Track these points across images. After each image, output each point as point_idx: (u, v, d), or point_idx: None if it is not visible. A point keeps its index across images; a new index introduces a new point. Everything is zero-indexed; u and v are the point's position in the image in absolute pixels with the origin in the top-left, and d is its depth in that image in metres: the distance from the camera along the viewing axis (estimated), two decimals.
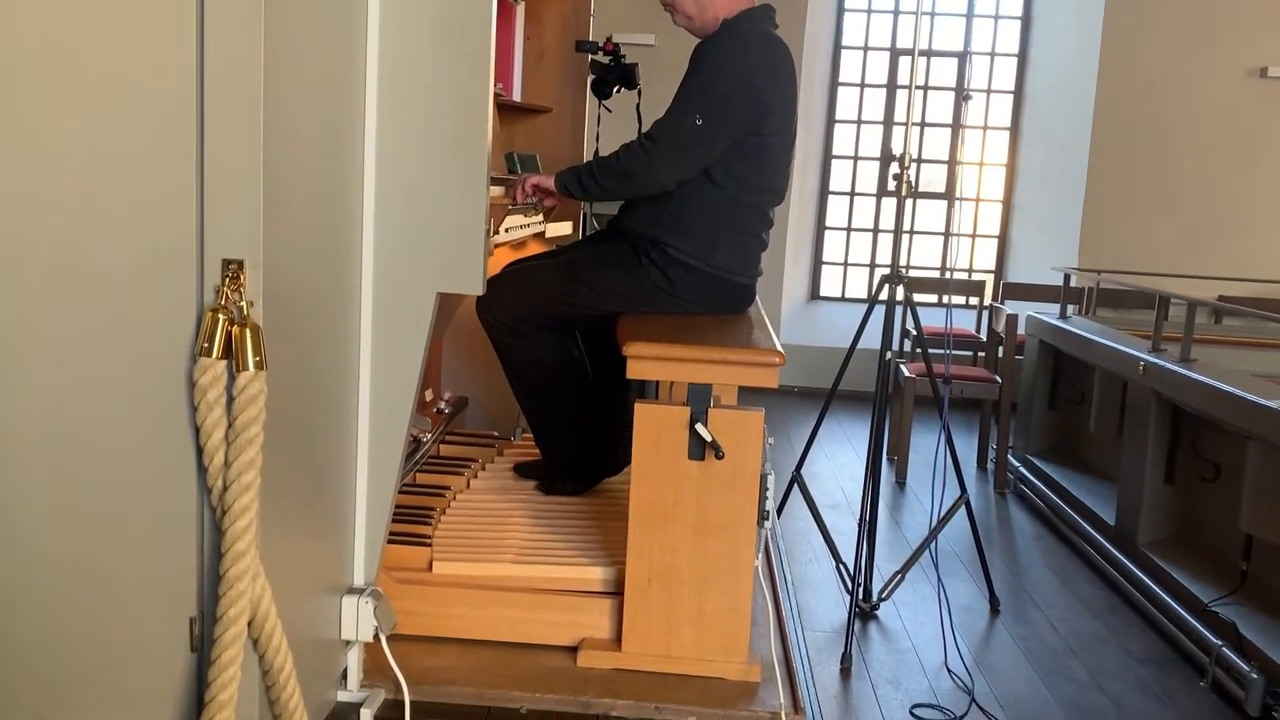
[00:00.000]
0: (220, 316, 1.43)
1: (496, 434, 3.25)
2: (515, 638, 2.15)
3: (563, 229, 3.22)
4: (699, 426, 1.99)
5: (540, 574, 2.22)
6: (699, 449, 2.02)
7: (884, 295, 3.40)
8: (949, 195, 7.54)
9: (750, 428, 2.01)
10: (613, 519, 2.49)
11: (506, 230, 2.52)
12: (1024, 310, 5.30)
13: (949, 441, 3.43)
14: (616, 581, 2.19)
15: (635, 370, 2.03)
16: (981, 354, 6.20)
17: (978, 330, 6.41)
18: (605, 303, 2.41)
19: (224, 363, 1.44)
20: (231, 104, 1.44)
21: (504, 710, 1.97)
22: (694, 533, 2.05)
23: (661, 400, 2.19)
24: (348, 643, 1.94)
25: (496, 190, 2.43)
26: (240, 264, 1.45)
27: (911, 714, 2.85)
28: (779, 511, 3.91)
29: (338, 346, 1.80)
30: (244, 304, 1.44)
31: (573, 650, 2.13)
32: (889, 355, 3.33)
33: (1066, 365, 4.94)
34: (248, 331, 1.43)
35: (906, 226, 3.46)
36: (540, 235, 3.03)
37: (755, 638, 2.16)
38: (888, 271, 3.43)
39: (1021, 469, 4.95)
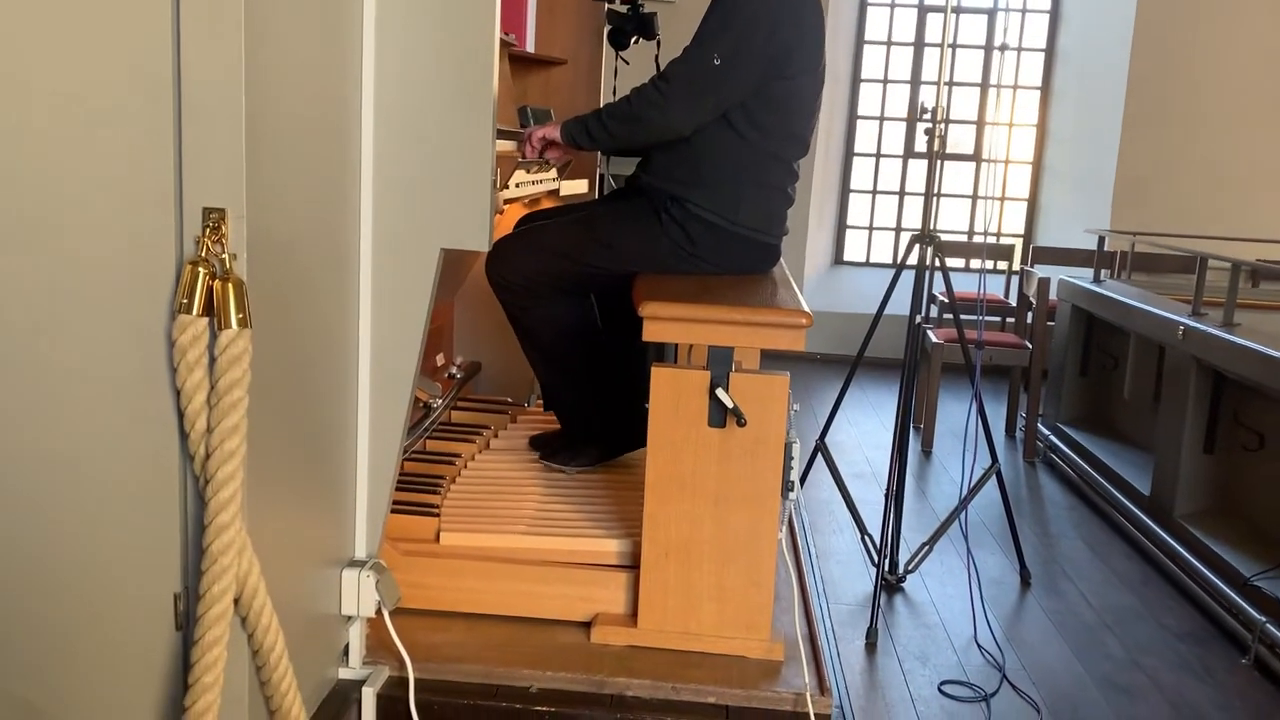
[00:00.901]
0: (200, 270, 1.32)
1: (510, 400, 3.15)
2: (526, 612, 2.05)
3: (578, 187, 3.09)
4: (720, 391, 1.87)
5: (553, 546, 2.12)
6: (719, 416, 1.91)
7: (913, 257, 3.26)
8: (977, 157, 7.35)
9: (774, 393, 1.89)
10: (629, 489, 2.38)
11: (517, 185, 2.40)
12: (1055, 275, 5.14)
13: (981, 409, 3.29)
14: (633, 554, 2.08)
15: (652, 332, 1.91)
16: (1010, 320, 6.05)
17: (1006, 295, 6.26)
18: (621, 263, 2.28)
19: (205, 320, 1.33)
20: (211, 39, 1.32)
21: (513, 689, 1.87)
22: (714, 504, 1.93)
23: (680, 364, 2.07)
24: (349, 618, 1.85)
25: (506, 145, 2.31)
26: (222, 213, 1.33)
27: (940, 691, 2.74)
28: (802, 481, 3.79)
29: (335, 305, 1.69)
30: (226, 257, 1.33)
31: (586, 626, 2.03)
32: (918, 320, 3.19)
33: (1100, 330, 4.79)
34: (230, 286, 1.32)
35: (936, 188, 3.31)
36: (554, 194, 2.91)
37: (778, 614, 2.05)
38: (917, 232, 3.29)
39: (1052, 437, 4.81)
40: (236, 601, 1.39)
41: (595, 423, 2.50)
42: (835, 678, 1.92)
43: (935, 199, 3.20)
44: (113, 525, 1.41)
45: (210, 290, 1.33)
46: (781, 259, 2.46)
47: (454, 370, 3.07)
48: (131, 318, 1.36)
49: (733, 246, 2.25)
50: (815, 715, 1.81)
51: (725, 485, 1.92)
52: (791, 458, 1.90)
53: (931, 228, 3.26)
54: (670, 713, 1.83)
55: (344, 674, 1.87)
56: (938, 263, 3.28)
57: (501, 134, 2.27)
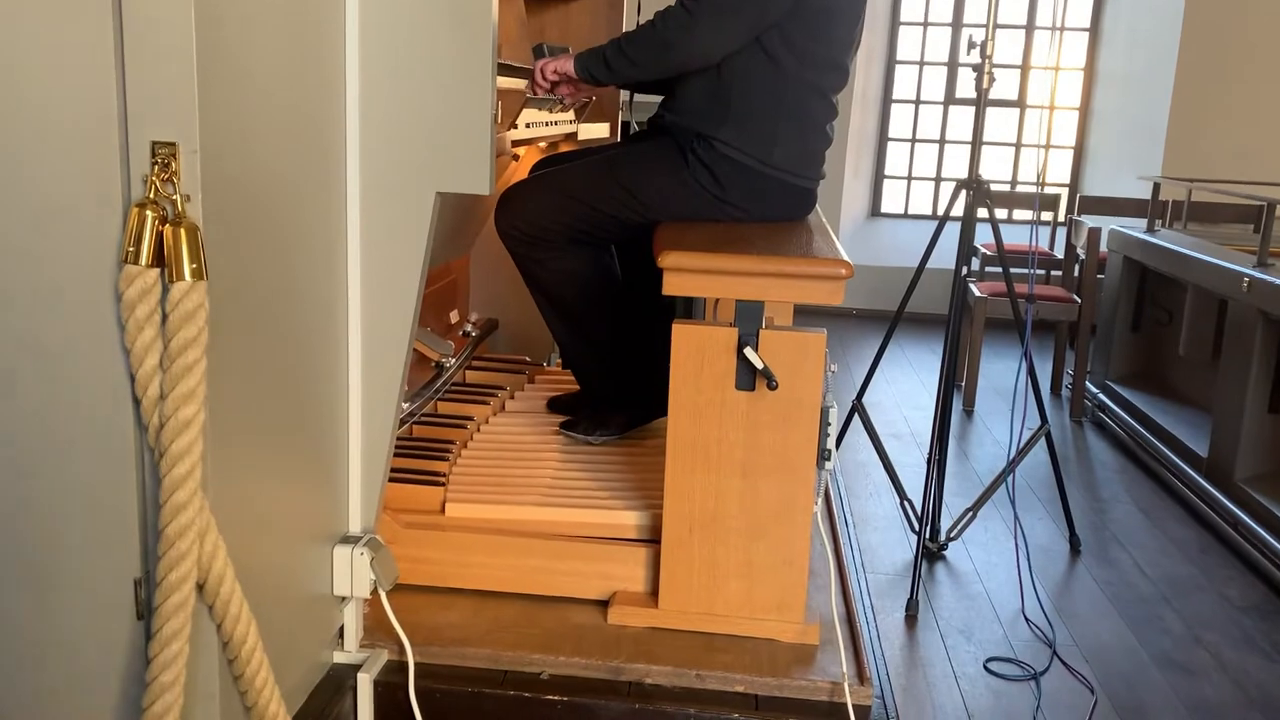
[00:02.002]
0: (149, 214, 1.15)
1: (528, 359, 2.98)
2: (537, 590, 1.89)
3: (598, 131, 2.89)
4: (748, 351, 1.68)
5: (567, 518, 1.95)
6: (748, 377, 1.72)
7: (959, 206, 3.04)
8: (1021, 103, 7.05)
9: (810, 352, 1.70)
10: (652, 457, 2.21)
11: (527, 126, 2.20)
12: (1104, 225, 4.88)
13: (1030, 367, 3.08)
14: (653, 528, 1.91)
15: (673, 285, 1.72)
16: (1055, 273, 5.79)
17: (1050, 248, 6.00)
18: (643, 210, 2.08)
19: (155, 272, 1.16)
20: None
21: (522, 675, 1.71)
22: (742, 474, 1.76)
23: (705, 321, 1.88)
24: (343, 599, 1.70)
25: (516, 81, 2.11)
26: (172, 149, 1.16)
27: (986, 669, 2.56)
28: (837, 443, 3.61)
29: (318, 256, 1.52)
30: (178, 198, 1.16)
31: (603, 606, 1.87)
32: (965, 271, 2.98)
33: (1153, 283, 4.54)
34: (182, 232, 1.15)
35: (982, 128, 3.07)
36: (572, 138, 2.71)
37: (812, 593, 1.88)
38: (962, 179, 3.06)
39: (1100, 395, 4.58)
40: (201, 589, 1.24)
41: (619, 387, 2.31)
42: (875, 663, 1.74)
43: (980, 144, 2.96)
44: (65, 505, 1.26)
45: (160, 237, 1.15)
46: (817, 206, 2.26)
47: (468, 328, 2.90)
48: (74, 270, 1.19)
49: (765, 190, 2.05)
50: (854, 707, 1.64)
51: (754, 454, 1.74)
52: (828, 423, 1.72)
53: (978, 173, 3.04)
54: (693, 702, 1.67)
55: (338, 658, 1.72)
56: (983, 212, 3.06)
57: (511, 70, 2.08)
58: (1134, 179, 5.75)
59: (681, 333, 1.73)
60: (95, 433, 1.23)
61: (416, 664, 1.69)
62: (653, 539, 1.90)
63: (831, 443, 1.73)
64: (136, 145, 1.17)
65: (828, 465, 1.74)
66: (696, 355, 1.73)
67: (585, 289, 2.21)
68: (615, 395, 2.33)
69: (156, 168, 1.16)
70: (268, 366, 1.40)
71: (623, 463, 2.20)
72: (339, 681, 1.68)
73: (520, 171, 2.67)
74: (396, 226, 1.59)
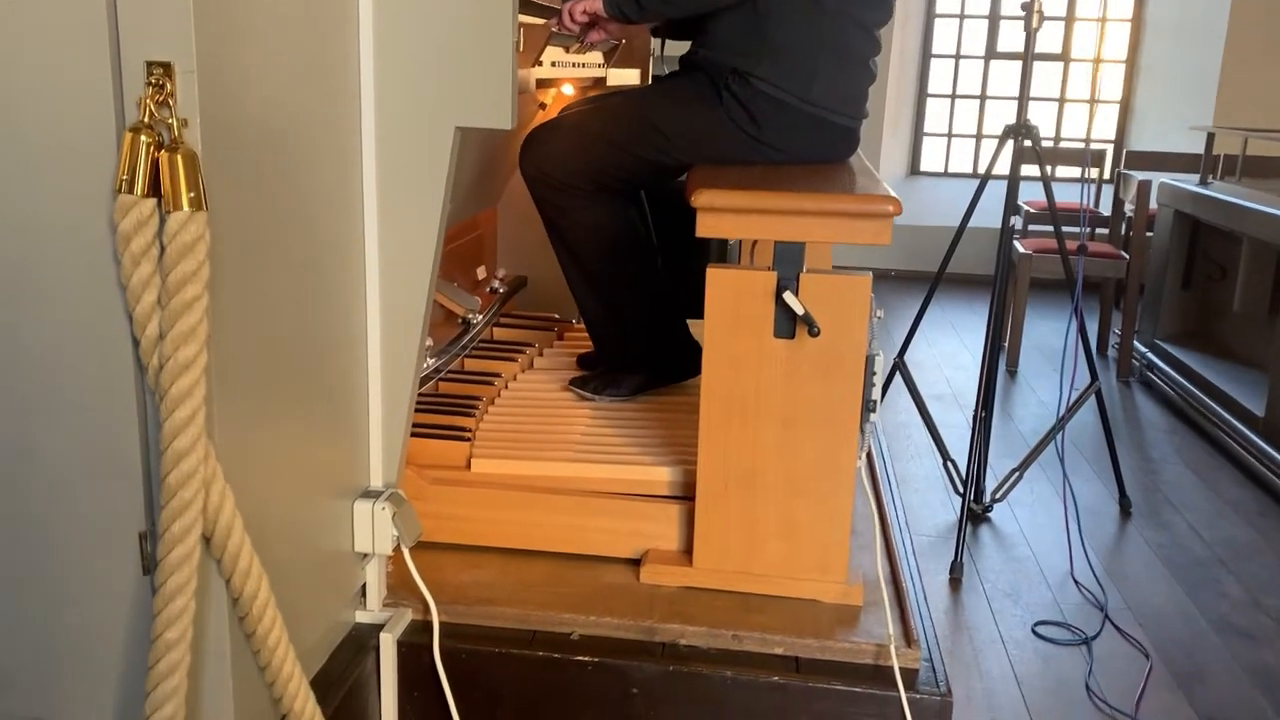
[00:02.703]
0: (143, 139, 1.07)
1: (557, 316, 2.89)
2: (566, 548, 1.82)
3: (628, 77, 2.78)
4: (788, 296, 1.58)
5: (597, 474, 1.87)
6: (788, 324, 1.62)
7: (1003, 162, 2.92)
8: (1065, 56, 6.84)
9: (854, 297, 1.60)
10: (684, 414, 2.12)
11: (553, 64, 2.10)
12: (1154, 180, 4.71)
13: (1081, 323, 2.96)
14: (688, 484, 1.83)
15: (707, 226, 1.62)
16: (1100, 230, 5.61)
17: (1095, 205, 5.82)
18: (675, 151, 1.98)
19: (152, 202, 1.08)
20: None
21: (551, 635, 1.64)
22: (782, 426, 1.66)
23: (741, 265, 1.77)
24: (364, 556, 1.62)
25: (539, 20, 2.01)
26: (167, 68, 1.07)
27: (1034, 632, 2.47)
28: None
29: (331, 190, 1.43)
30: (174, 122, 1.07)
31: (635, 564, 1.79)
32: (1013, 220, 2.85)
33: (1205, 237, 4.37)
34: (179, 158, 1.07)
35: (1016, 91, 2.93)
36: (600, 83, 2.60)
37: (855, 552, 1.78)
38: (1010, 125, 2.93)
39: (1149, 355, 4.44)
40: (208, 542, 1.16)
41: (635, 348, 2.22)
42: (922, 625, 1.65)
43: (1029, 80, 2.82)
44: (66, 456, 1.19)
45: (156, 164, 1.07)
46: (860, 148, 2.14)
47: (496, 284, 2.81)
48: (65, 201, 1.11)
49: (805, 129, 1.94)
50: (901, 670, 1.55)
51: (795, 405, 1.65)
52: (874, 373, 1.62)
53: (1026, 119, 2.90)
54: (730, 664, 1.58)
55: (361, 618, 1.65)
56: (1032, 170, 2.92)
57: (536, 6, 1.98)
58: (1182, 134, 5.55)
59: (717, 278, 1.63)
60: (94, 377, 1.16)
61: (442, 624, 1.62)
62: (687, 495, 1.81)
63: (877, 394, 1.63)
64: (129, 65, 1.08)
65: (872, 417, 1.64)
66: (733, 301, 1.63)
67: (609, 243, 2.11)
68: (631, 356, 2.24)
69: (151, 89, 1.07)
70: (278, 308, 1.32)
71: (655, 418, 2.11)
72: (361, 641, 1.61)
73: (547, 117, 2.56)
74: (414, 163, 1.50)
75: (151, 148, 1.07)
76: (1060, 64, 6.82)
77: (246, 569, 1.19)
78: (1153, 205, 4.63)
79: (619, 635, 1.64)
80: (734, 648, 1.62)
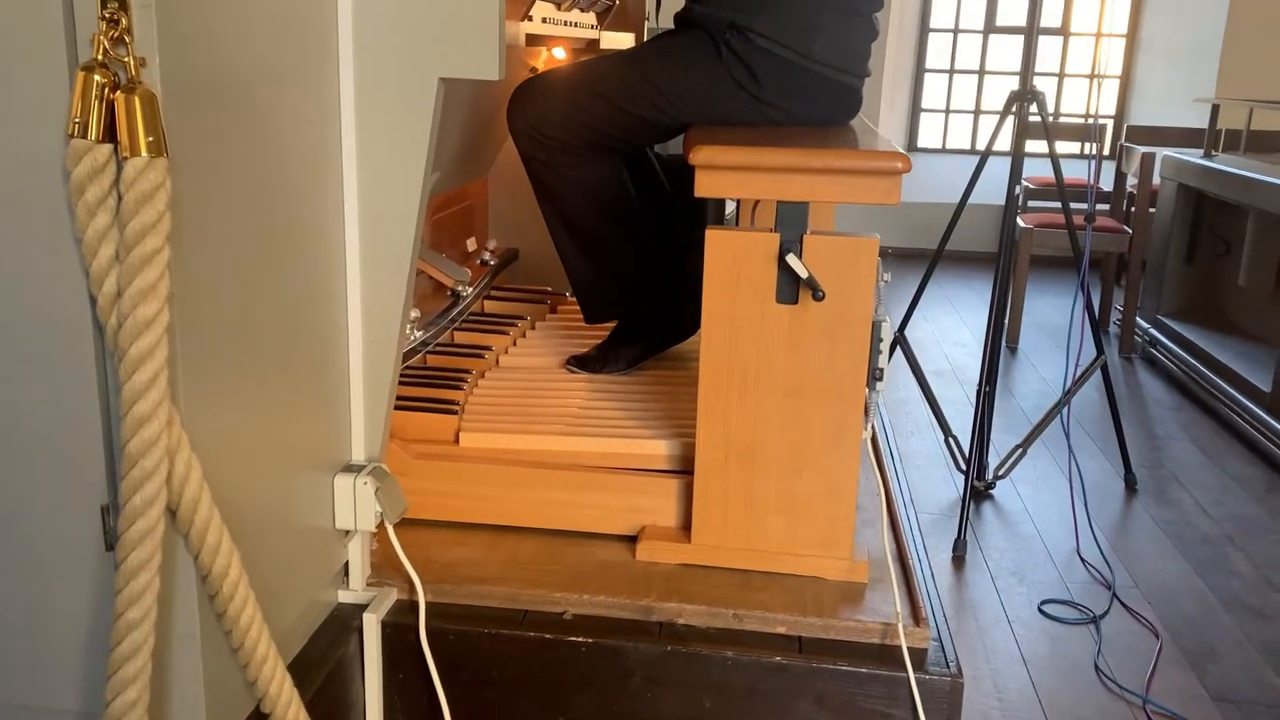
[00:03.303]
0: (97, 78, 0.99)
1: (550, 289, 2.81)
2: (559, 525, 1.74)
3: (622, 41, 2.68)
4: (791, 258, 1.51)
5: (591, 448, 1.79)
6: (791, 289, 1.55)
7: (1003, 139, 2.84)
8: (1065, 30, 6.75)
9: (861, 259, 1.52)
10: (681, 386, 2.05)
11: (543, 20, 2.01)
12: (1156, 154, 4.63)
13: (1088, 297, 2.89)
14: (685, 458, 1.75)
15: (706, 185, 1.54)
16: (1100, 206, 5.54)
17: (1095, 181, 5.74)
18: (672, 109, 1.89)
19: (108, 148, 1.00)
20: None
21: (543, 615, 1.57)
22: (784, 396, 1.59)
23: (741, 226, 1.69)
24: (346, 533, 1.55)
25: None
26: (122, 1, 0.99)
27: (1041, 611, 2.40)
28: None
29: (306, 141, 1.35)
30: (131, 60, 0.99)
31: (630, 541, 1.72)
32: (1018, 189, 2.77)
33: (1210, 211, 4.30)
34: (137, 100, 0.98)
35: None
36: (593, 45, 2.51)
37: (859, 526, 1.71)
38: (1015, 90, 2.85)
39: (1152, 330, 4.37)
40: (174, 515, 1.09)
41: (634, 312, 2.14)
42: (930, 603, 1.58)
43: (1035, 38, 2.73)
44: (25, 424, 1.11)
45: (112, 107, 0.99)
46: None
47: (486, 256, 2.73)
48: (13, 147, 1.03)
49: (806, 86, 1.85)
50: (909, 650, 1.48)
51: (798, 374, 1.57)
52: (880, 340, 1.54)
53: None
54: (732, 644, 1.51)
55: (343, 598, 1.58)
56: (1037, 145, 2.84)
57: None
58: (1182, 110, 5.47)
59: (716, 240, 1.55)
60: (50, 338, 1.08)
61: (428, 603, 1.55)
62: (684, 470, 1.74)
63: (884, 361, 1.56)
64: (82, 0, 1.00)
65: (879, 387, 1.57)
66: (732, 265, 1.55)
67: (601, 203, 2.02)
68: (627, 324, 2.16)
69: (104, 24, 0.99)
70: (249, 266, 1.24)
71: (652, 391, 2.03)
72: (343, 622, 1.54)
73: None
74: (396, 116, 1.42)
75: (107, 89, 0.99)
76: (1060, 38, 6.73)
77: (216, 545, 1.11)
78: (1155, 180, 4.56)
79: (614, 615, 1.57)
80: (735, 626, 1.55)
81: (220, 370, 1.18)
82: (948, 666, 1.49)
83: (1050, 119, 2.86)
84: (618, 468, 1.76)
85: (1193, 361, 3.96)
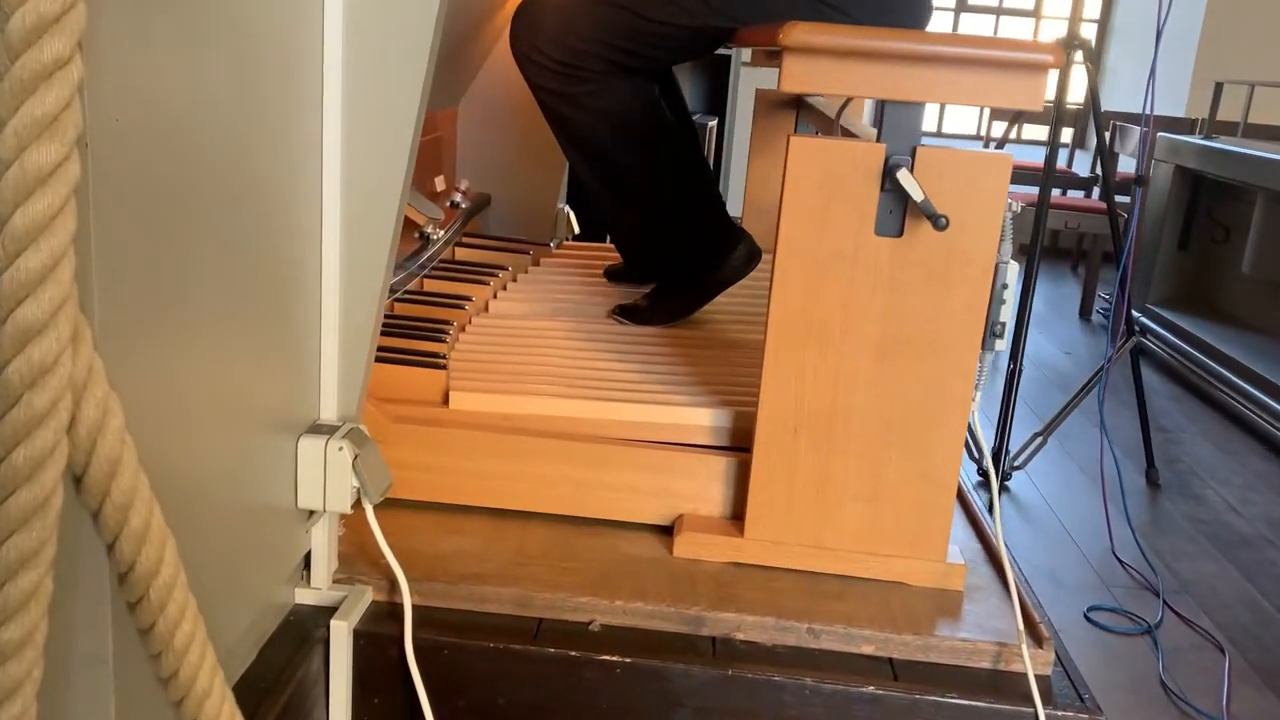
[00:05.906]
0: None
1: (528, 239, 2.46)
2: (575, 510, 1.39)
3: None
4: (904, 174, 1.17)
5: (615, 415, 1.45)
6: (895, 218, 1.22)
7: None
8: (1036, 13, 6.58)
9: (990, 180, 1.20)
10: (724, 348, 1.71)
11: None
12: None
13: (1122, 282, 2.62)
14: (735, 430, 1.42)
15: (796, 76, 1.19)
16: (1075, 192, 5.36)
17: (1070, 166, 5.58)
18: (705, 14, 1.55)
19: None
20: None
21: (563, 626, 1.22)
22: (875, 354, 1.26)
23: (835, 134, 1.34)
24: (310, 513, 1.18)
25: None
26: None
27: (1087, 618, 2.12)
28: None
29: (277, 47, 0.98)
30: None
31: (663, 532, 1.38)
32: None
33: (1207, 195, 4.10)
34: None
35: None
36: None
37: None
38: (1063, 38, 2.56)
39: (1143, 319, 4.16)
40: (79, 482, 0.71)
41: (681, 261, 1.79)
42: (1044, 619, 1.27)
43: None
44: None
45: None
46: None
47: (458, 199, 2.35)
48: None
49: None
50: (1035, 677, 1.17)
51: (896, 326, 1.24)
52: (1004, 285, 1.22)
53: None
54: (809, 668, 1.18)
55: (302, 598, 1.21)
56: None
57: None
58: (1159, 95, 5.29)
59: (802, 149, 1.21)
60: None
61: (414, 608, 1.19)
62: (734, 445, 1.40)
63: (1007, 313, 1.24)
64: None
65: (998, 345, 1.25)
66: (821, 185, 1.22)
67: (633, 138, 1.68)
68: (675, 273, 1.82)
69: None
70: (194, 160, 0.86)
71: (682, 351, 1.69)
72: (303, 630, 1.17)
73: None
74: (392, 29, 1.05)
75: None
76: (1032, 20, 6.56)
77: (142, 529, 0.74)
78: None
79: (655, 626, 1.23)
80: (810, 645, 1.22)
81: (148, 290, 0.81)
82: (1080, 700, 1.19)
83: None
84: (649, 441, 1.42)
85: (1192, 351, 3.75)
